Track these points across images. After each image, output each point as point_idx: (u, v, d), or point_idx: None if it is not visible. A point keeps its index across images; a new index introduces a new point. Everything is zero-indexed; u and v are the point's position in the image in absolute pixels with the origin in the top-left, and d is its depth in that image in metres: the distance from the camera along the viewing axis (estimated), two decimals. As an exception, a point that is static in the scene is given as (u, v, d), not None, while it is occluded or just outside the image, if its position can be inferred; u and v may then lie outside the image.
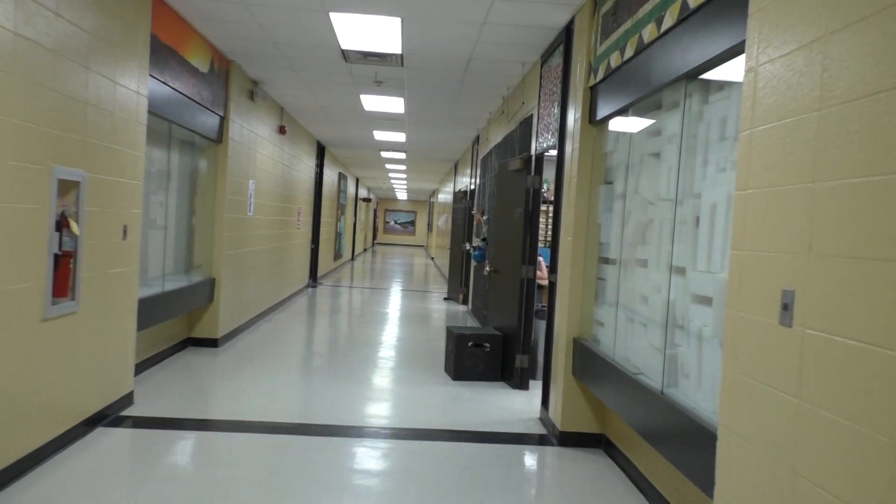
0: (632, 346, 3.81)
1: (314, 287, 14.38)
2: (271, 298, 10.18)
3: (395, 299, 13.19)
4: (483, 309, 9.34)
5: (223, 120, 7.32)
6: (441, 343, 8.50)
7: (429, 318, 10.80)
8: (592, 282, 4.67)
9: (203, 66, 6.55)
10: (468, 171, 13.37)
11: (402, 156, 15.97)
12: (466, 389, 6.21)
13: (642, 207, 3.85)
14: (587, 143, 4.67)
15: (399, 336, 8.91)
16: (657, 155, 3.70)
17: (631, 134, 4.09)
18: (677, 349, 3.23)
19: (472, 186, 12.17)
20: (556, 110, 5.52)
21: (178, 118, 6.00)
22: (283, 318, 9.87)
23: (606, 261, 4.50)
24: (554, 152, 5.85)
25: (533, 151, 6.37)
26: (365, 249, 32.40)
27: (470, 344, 6.47)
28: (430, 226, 34.14)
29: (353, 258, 24.77)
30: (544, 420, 5.23)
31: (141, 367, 5.99)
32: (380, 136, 12.64)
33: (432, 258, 27.88)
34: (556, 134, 5.43)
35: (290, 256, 11.68)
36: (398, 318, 10.54)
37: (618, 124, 4.36)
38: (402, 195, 37.11)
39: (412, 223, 41.92)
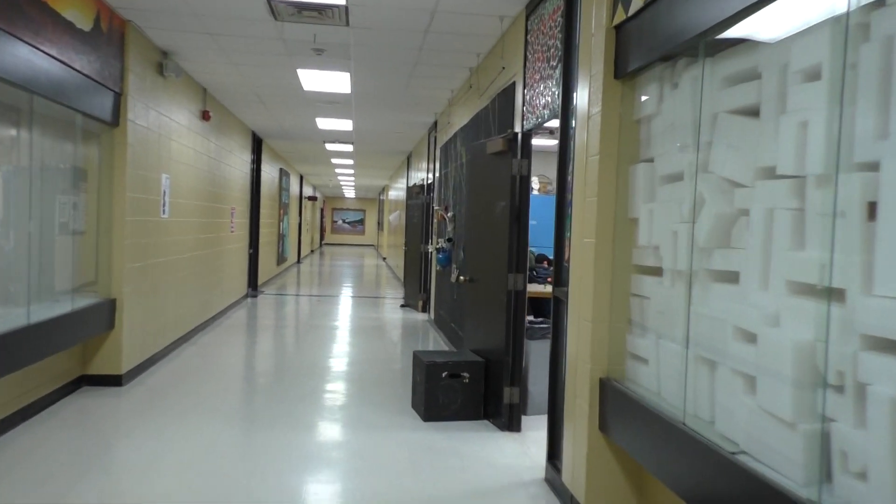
0: (721, 405, 2.49)
1: (254, 297, 12.78)
2: (198, 315, 8.60)
3: (346, 308, 11.72)
4: (449, 321, 7.97)
5: (119, 97, 5.75)
6: (403, 365, 7.10)
7: (386, 332, 9.38)
8: (624, 300, 3.34)
9: (83, 23, 4.99)
10: (424, 163, 11.97)
11: (350, 148, 14.47)
12: (442, 435, 4.82)
13: (723, 193, 2.53)
14: (612, 106, 3.33)
15: (353, 357, 7.46)
16: (748, 112, 2.39)
17: (695, 82, 2.76)
18: (833, 426, 1.92)
19: (430, 180, 10.79)
20: (556, 70, 4.17)
21: (44, 89, 4.44)
22: (212, 338, 8.31)
23: (648, 271, 3.17)
24: (552, 125, 4.51)
25: (519, 128, 5.02)
26: (312, 251, 30.66)
27: (444, 375, 5.09)
28: (380, 224, 32.61)
29: (299, 261, 23.10)
30: (553, 483, 3.89)
31: (9, 423, 4.43)
32: (323, 124, 11.14)
33: (384, 258, 26.40)
34: (558, 101, 4.09)
35: (222, 264, 10.09)
36: (350, 333, 9.08)
37: (664, 74, 3.03)
38: (349, 193, 35.46)
39: (361, 222, 40.29)
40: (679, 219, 2.83)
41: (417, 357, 5.29)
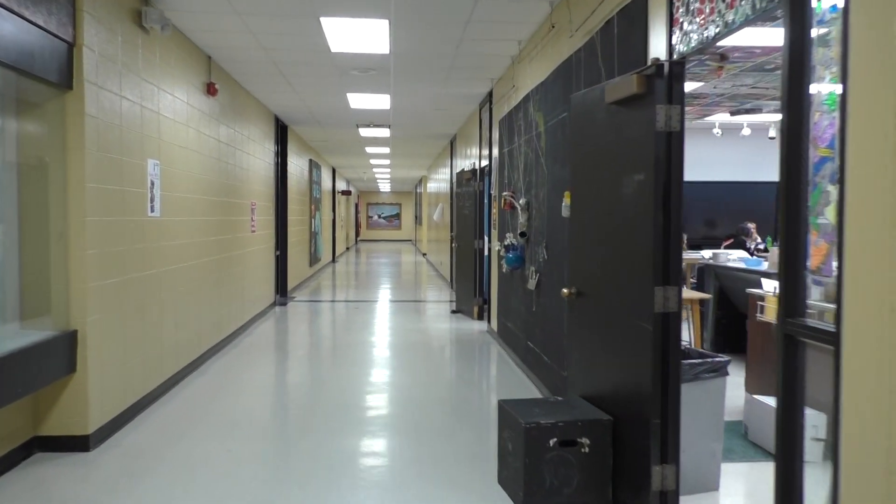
0: None
1: (283, 305, 11.18)
2: (210, 336, 6.99)
3: (387, 317, 10.03)
4: (524, 337, 6.21)
5: (72, 49, 4.11)
6: (468, 402, 5.38)
7: (438, 350, 7.66)
8: None
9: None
10: (474, 145, 10.21)
11: (386, 133, 12.78)
12: (556, 542, 3.08)
13: None
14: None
15: (400, 391, 5.76)
16: None
17: None
18: None
19: (485, 163, 9.03)
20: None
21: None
22: (226, 365, 6.68)
23: None
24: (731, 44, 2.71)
25: (665, 55, 3.22)
26: (348, 248, 29.17)
27: (552, 443, 3.34)
28: (417, 218, 30.97)
29: (333, 260, 21.56)
30: None
31: None
32: (357, 101, 9.44)
33: (424, 254, 24.72)
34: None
35: (241, 271, 8.49)
36: (394, 353, 7.38)
37: None
38: (384, 186, 33.88)
39: (397, 216, 38.71)
40: None
41: (507, 412, 3.55)
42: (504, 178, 7.31)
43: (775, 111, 8.90)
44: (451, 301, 11.87)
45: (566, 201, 4.49)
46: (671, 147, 3.08)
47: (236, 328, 8.17)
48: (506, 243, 6.49)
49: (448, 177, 14.62)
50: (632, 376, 3.27)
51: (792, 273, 2.23)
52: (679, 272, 3.12)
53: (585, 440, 3.36)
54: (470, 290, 9.82)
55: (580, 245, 3.86)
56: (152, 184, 5.27)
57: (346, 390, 5.74)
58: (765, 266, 6.62)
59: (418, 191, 29.46)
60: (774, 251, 6.59)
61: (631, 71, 3.26)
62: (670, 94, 3.06)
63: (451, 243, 13.42)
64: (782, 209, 2.23)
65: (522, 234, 6.07)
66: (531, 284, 5.75)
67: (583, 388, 3.80)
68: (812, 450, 4.13)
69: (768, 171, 9.02)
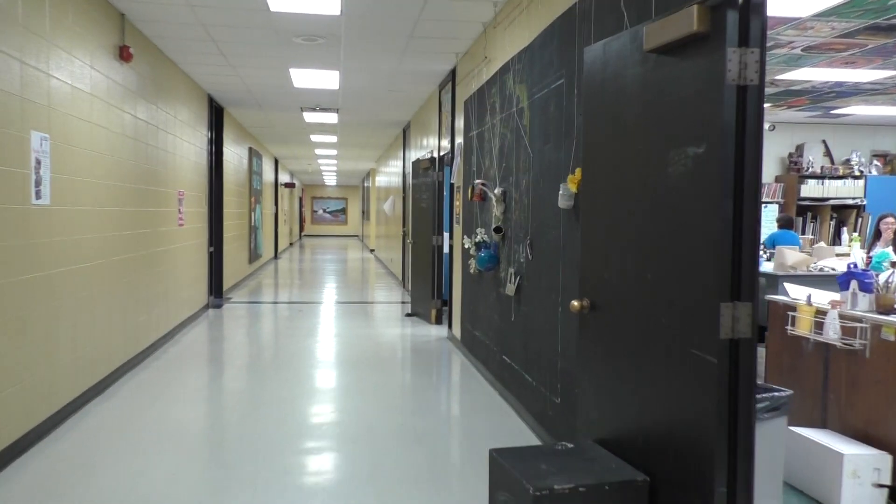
0: None
1: (218, 307, 10.02)
2: (124, 350, 5.87)
3: (333, 321, 9.00)
4: (498, 351, 5.31)
5: None
6: (436, 436, 4.45)
7: (395, 363, 6.70)
8: None
9: None
10: (432, 132, 9.28)
11: (334, 119, 11.71)
12: None
13: None
14: None
15: (352, 422, 4.77)
16: None
17: None
18: None
19: (447, 150, 8.10)
20: None
21: None
22: (139, 386, 5.57)
23: None
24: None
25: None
26: (291, 244, 27.82)
27: (571, 516, 2.43)
28: (365, 213, 29.84)
29: (276, 256, 20.30)
30: None
31: None
32: (301, 78, 8.37)
33: (372, 250, 23.66)
34: None
35: (165, 270, 7.35)
36: (343, 371, 6.39)
37: None
38: (330, 180, 32.60)
39: (343, 211, 37.43)
40: None
41: (503, 469, 2.63)
42: (471, 165, 6.39)
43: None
44: (403, 302, 10.91)
45: (568, 189, 3.60)
46: (746, 107, 2.21)
47: (159, 337, 7.03)
48: (476, 240, 5.57)
49: (400, 169, 13.64)
50: (681, 423, 2.39)
51: None
52: (755, 282, 2.25)
53: (616, 511, 2.46)
54: (427, 292, 8.88)
55: (595, 244, 2.95)
56: (38, 163, 4.15)
57: (287, 421, 4.72)
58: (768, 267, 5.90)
59: (366, 185, 28.34)
60: (783, 250, 5.86)
61: (674, 9, 2.37)
62: (745, 33, 2.19)
63: (405, 239, 12.46)
64: None
65: (497, 230, 5.16)
66: (509, 289, 4.85)
67: (599, 429, 2.90)
68: (875, 499, 3.34)
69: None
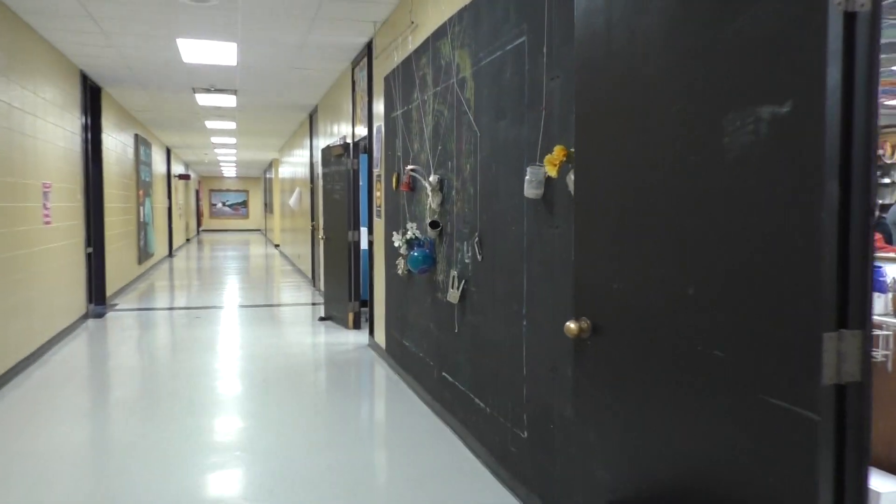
0: None
1: (99, 316, 8.73)
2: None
3: (237, 328, 7.94)
4: (435, 365, 4.52)
5: None
6: (385, 486, 3.61)
7: (311, 381, 5.79)
8: None
9: None
10: (344, 117, 8.37)
11: (232, 102, 10.53)
12: None
13: None
14: None
15: (269, 481, 3.85)
16: None
17: None
18: None
19: (363, 135, 7.20)
20: None
21: None
22: (-8, 425, 4.42)
23: None
24: None
25: None
26: (188, 240, 25.99)
27: None
28: (267, 206, 28.32)
29: (171, 254, 18.70)
30: None
31: None
32: (192, 51, 7.24)
33: (277, 245, 22.33)
34: None
35: (26, 278, 6.11)
36: (249, 398, 5.42)
37: None
38: (229, 171, 30.79)
39: (244, 204, 35.57)
40: None
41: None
42: (396, 149, 5.55)
43: None
44: (314, 304, 9.94)
45: (539, 172, 2.84)
46: (855, 46, 1.50)
47: (19, 360, 5.81)
48: (408, 237, 4.74)
49: (307, 159, 12.59)
50: (754, 500, 1.67)
51: None
52: (868, 301, 1.55)
53: None
54: (343, 293, 7.97)
55: (598, 246, 2.19)
56: None
57: (181, 471, 3.76)
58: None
59: (268, 176, 26.86)
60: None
61: None
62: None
63: (314, 234, 11.45)
64: None
65: (434, 225, 4.36)
66: (451, 296, 4.06)
67: (613, 492, 2.16)
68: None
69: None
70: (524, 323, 3.15)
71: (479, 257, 3.72)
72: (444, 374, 4.41)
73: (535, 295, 3.05)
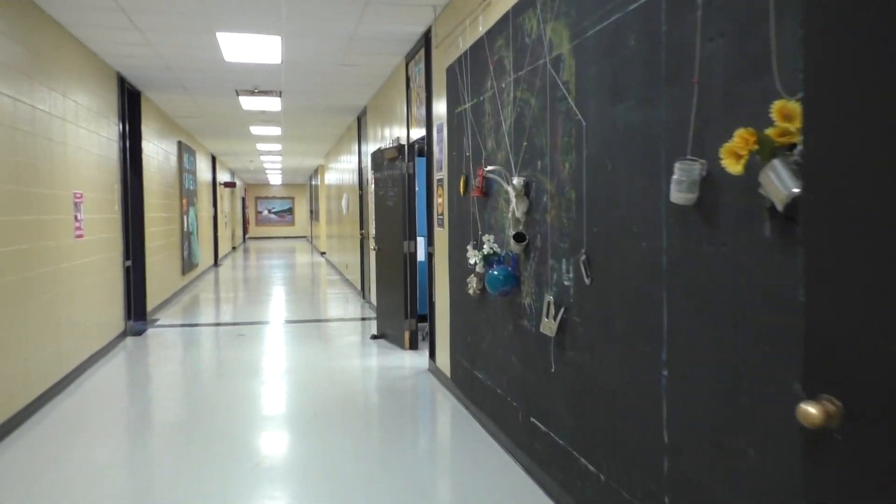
0: None
1: (139, 333, 8.19)
2: (-20, 421, 4.10)
3: (282, 349, 7.28)
4: (522, 407, 3.74)
5: None
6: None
7: (371, 420, 5.06)
8: None
9: None
10: (397, 117, 7.68)
11: (276, 105, 9.94)
12: None
13: None
14: None
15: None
16: None
17: None
18: None
19: (419, 136, 6.47)
20: None
21: None
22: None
23: None
24: None
25: None
26: (234, 248, 25.74)
27: None
28: (313, 213, 27.91)
29: (216, 264, 18.34)
30: None
31: None
32: (233, 47, 6.62)
33: (323, 253, 21.83)
34: None
35: (54, 298, 5.54)
36: (296, 441, 4.72)
37: None
38: (275, 179, 30.56)
39: (290, 211, 35.37)
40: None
41: None
42: (463, 149, 4.79)
43: None
44: (364, 319, 9.25)
45: (695, 170, 2.05)
46: None
47: (46, 389, 5.24)
48: (485, 252, 3.97)
49: (354, 165, 11.95)
50: None
51: None
52: None
53: None
54: (398, 309, 7.25)
55: (862, 279, 1.39)
56: None
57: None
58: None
59: (314, 182, 26.45)
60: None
61: None
62: None
63: (363, 243, 10.79)
64: None
65: (519, 238, 3.59)
66: (546, 326, 3.28)
67: None
68: None
69: None
70: (664, 373, 2.35)
71: (586, 280, 2.93)
72: (532, 419, 3.62)
73: (682, 336, 2.25)
